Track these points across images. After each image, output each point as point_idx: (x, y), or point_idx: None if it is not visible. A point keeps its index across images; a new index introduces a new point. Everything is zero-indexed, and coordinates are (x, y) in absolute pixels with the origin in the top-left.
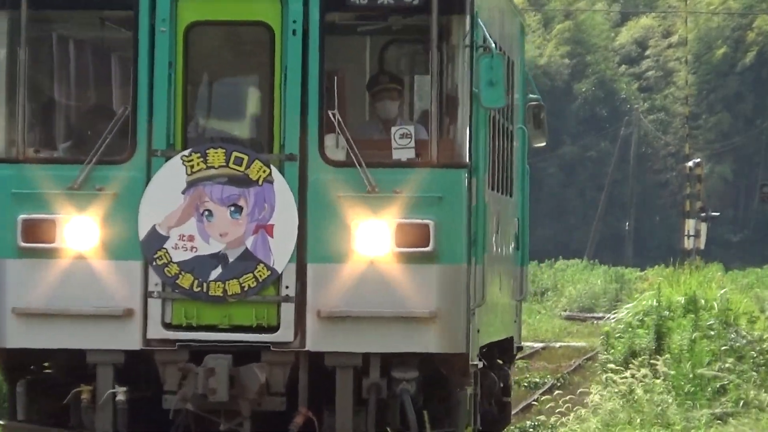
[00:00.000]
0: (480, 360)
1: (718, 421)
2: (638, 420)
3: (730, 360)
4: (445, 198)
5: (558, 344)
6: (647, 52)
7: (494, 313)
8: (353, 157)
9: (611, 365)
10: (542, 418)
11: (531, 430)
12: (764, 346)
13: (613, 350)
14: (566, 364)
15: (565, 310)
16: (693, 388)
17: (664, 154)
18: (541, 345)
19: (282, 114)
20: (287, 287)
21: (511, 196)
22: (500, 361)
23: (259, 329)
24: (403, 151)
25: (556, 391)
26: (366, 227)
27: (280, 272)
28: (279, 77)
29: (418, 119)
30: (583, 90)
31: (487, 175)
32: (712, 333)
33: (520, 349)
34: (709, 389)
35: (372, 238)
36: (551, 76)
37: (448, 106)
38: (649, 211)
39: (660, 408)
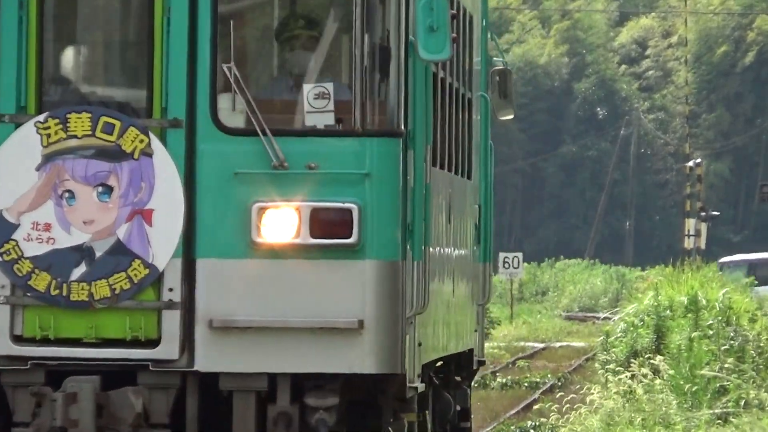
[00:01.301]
0: (430, 378)
1: (719, 421)
2: (639, 420)
3: (730, 360)
4: (373, 175)
5: (558, 344)
6: (647, 52)
7: (444, 321)
8: (255, 123)
9: (612, 365)
10: (542, 418)
11: (531, 430)
12: (763, 345)
13: (614, 350)
14: (566, 364)
15: (565, 310)
16: (693, 388)
17: (664, 153)
18: (541, 345)
19: (164, 68)
20: (171, 290)
21: (469, 178)
22: (457, 379)
23: (135, 343)
24: (319, 116)
25: (557, 392)
26: (272, 213)
27: (161, 270)
28: (160, 21)
29: (338, 75)
30: (583, 90)
31: (430, 148)
32: (711, 332)
33: (482, 363)
34: (710, 389)
35: (279, 226)
36: (551, 75)
37: (378, 59)
38: (649, 210)
39: (661, 408)
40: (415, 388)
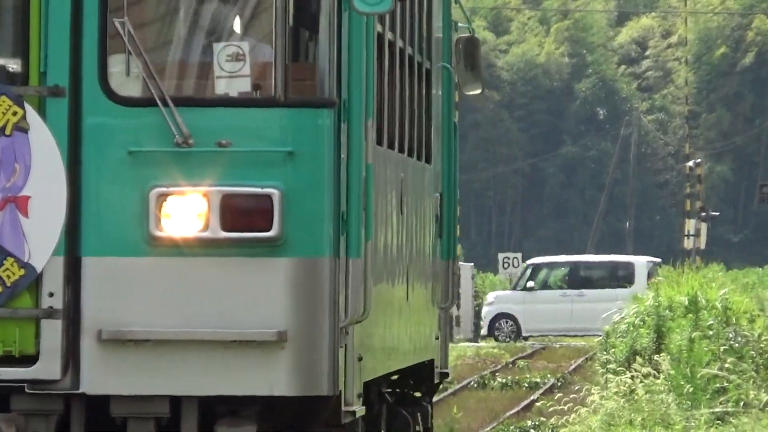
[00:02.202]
0: (380, 396)
1: (719, 421)
2: (639, 420)
3: (730, 360)
4: (298, 154)
5: (558, 344)
6: (647, 52)
7: (395, 329)
8: (153, 91)
9: (612, 365)
10: (542, 417)
11: (531, 430)
12: (763, 345)
13: (613, 350)
14: (566, 364)
15: None
16: (693, 388)
17: (664, 153)
18: (541, 345)
19: (42, 24)
20: (51, 295)
21: (427, 161)
22: (417, 395)
23: (8, 360)
24: (233, 82)
25: (557, 392)
26: (175, 201)
27: (39, 271)
28: None
29: (256, 33)
30: (583, 90)
31: (373, 123)
32: (711, 333)
33: (445, 376)
34: (710, 389)
35: (184, 216)
36: (551, 75)
37: (304, 13)
38: (649, 210)
39: (661, 408)
40: (353, 413)
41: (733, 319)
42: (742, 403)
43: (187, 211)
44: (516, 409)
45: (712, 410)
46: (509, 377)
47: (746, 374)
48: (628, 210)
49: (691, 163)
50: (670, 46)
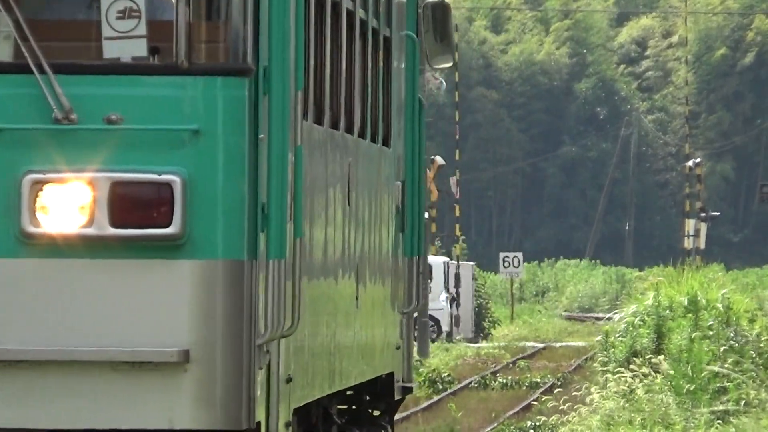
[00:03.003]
0: (325, 416)
1: (719, 421)
2: (638, 419)
3: (731, 359)
4: (205, 133)
5: (558, 344)
6: (647, 52)
7: (340, 341)
8: (27, 55)
9: (612, 365)
10: (542, 417)
11: (531, 430)
12: (762, 345)
13: (613, 350)
14: (567, 364)
15: (565, 310)
16: (693, 388)
17: (664, 153)
18: (541, 345)
19: None
20: None
21: (385, 144)
22: (375, 413)
23: None
24: (125, 44)
25: (557, 392)
26: (53, 190)
27: None
28: None
29: None
30: (583, 90)
31: (304, 96)
32: (711, 333)
33: (409, 391)
34: (710, 389)
35: (64, 209)
36: (551, 75)
37: None
38: (649, 211)
39: (661, 408)
40: None
41: (733, 318)
42: (742, 403)
43: (68, 203)
44: (516, 409)
45: (712, 410)
46: (509, 377)
47: (746, 374)
48: (628, 210)
49: (690, 163)
50: (670, 46)
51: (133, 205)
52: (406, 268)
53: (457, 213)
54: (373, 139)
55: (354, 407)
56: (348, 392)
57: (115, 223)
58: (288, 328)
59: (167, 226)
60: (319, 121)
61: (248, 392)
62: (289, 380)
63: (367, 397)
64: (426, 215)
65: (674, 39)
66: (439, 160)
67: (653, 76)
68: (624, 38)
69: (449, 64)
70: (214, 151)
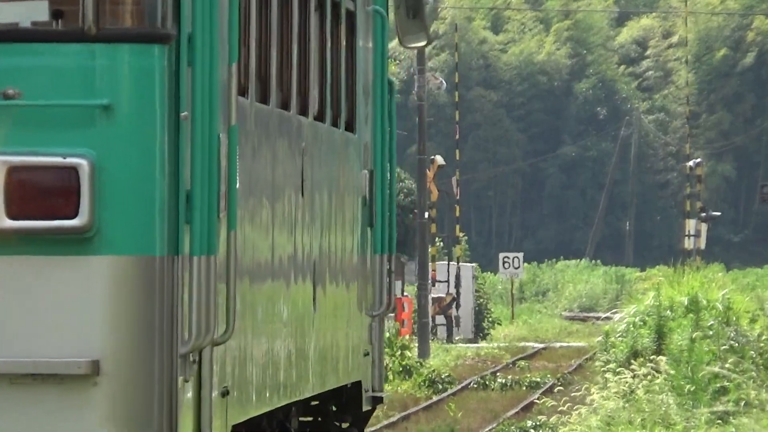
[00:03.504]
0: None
1: (719, 421)
2: (639, 420)
3: (731, 360)
4: (116, 109)
5: (558, 344)
6: (647, 52)
7: (293, 348)
8: None
9: (612, 365)
10: (542, 417)
11: (531, 430)
12: (763, 345)
13: (614, 350)
14: (567, 364)
15: (565, 310)
16: (693, 388)
17: (665, 154)
18: (541, 345)
19: None
20: None
21: (349, 130)
22: (342, 426)
23: None
24: (22, 6)
25: (557, 392)
26: None
27: None
28: None
29: None
30: (583, 90)
31: (246, 70)
32: (712, 333)
33: (379, 401)
34: (710, 389)
35: None
36: (551, 75)
37: None
38: (649, 211)
39: (661, 408)
40: None
41: (734, 319)
42: (742, 403)
43: None
44: (516, 410)
45: (712, 410)
46: (509, 377)
47: (747, 374)
48: (628, 210)
49: (691, 164)
50: (670, 47)
51: (34, 193)
52: (376, 267)
53: (457, 213)
54: (335, 124)
55: (319, 419)
56: (313, 403)
57: (12, 215)
58: (222, 335)
59: (73, 217)
60: (264, 100)
61: (169, 408)
62: (225, 393)
63: (334, 408)
64: (426, 215)
65: (674, 39)
66: (439, 160)
67: (653, 76)
68: (624, 38)
69: (423, 43)
70: (128, 131)
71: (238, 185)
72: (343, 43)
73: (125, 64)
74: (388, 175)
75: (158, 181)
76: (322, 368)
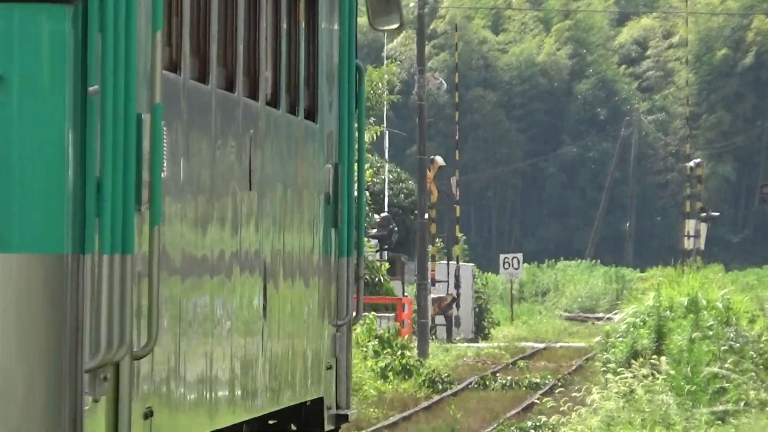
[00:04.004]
0: None
1: (719, 421)
2: (639, 420)
3: (731, 360)
4: (6, 81)
5: (558, 344)
6: (647, 53)
7: (236, 362)
8: None
9: (612, 365)
10: (543, 417)
11: (531, 430)
12: (762, 345)
13: (614, 350)
14: (567, 365)
15: (565, 311)
16: (693, 388)
17: (665, 154)
18: (541, 345)
19: None
20: None
21: (310, 118)
22: None
23: None
24: None
25: (558, 392)
26: None
27: None
28: None
29: None
30: (583, 90)
31: (177, 41)
32: (711, 333)
33: (343, 419)
34: (710, 389)
35: None
36: (551, 75)
37: None
38: (649, 211)
39: (661, 408)
40: None
41: (733, 319)
42: (742, 403)
43: None
44: (516, 410)
45: (712, 410)
46: (509, 378)
47: (746, 374)
48: (628, 210)
49: (691, 164)
50: (670, 47)
51: None
52: (341, 271)
53: (457, 213)
54: (292, 110)
55: None
56: (271, 422)
57: None
58: (143, 347)
59: None
60: (202, 78)
61: None
62: (149, 415)
63: (294, 427)
64: (426, 216)
65: (675, 39)
66: (439, 160)
67: (654, 76)
68: (624, 38)
69: (395, 26)
70: (22, 106)
71: (164, 174)
72: (303, 22)
73: (19, 27)
74: (356, 170)
75: (58, 165)
76: (274, 383)
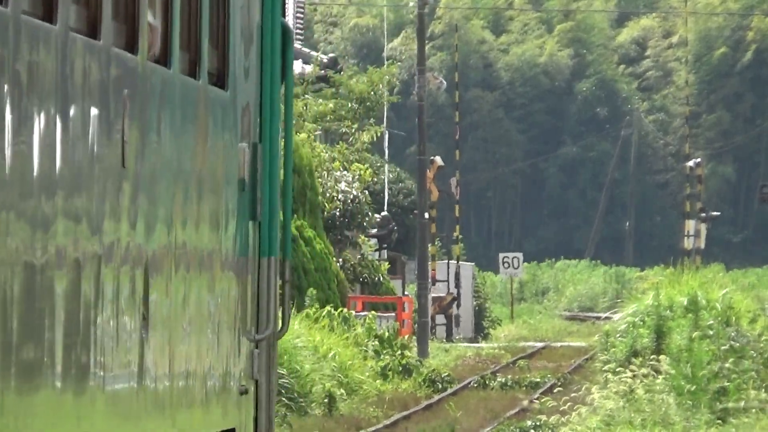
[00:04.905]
0: None
1: (719, 421)
2: (639, 419)
3: (731, 360)
4: None
5: (558, 344)
6: (647, 52)
7: (106, 389)
8: None
9: (612, 365)
10: (543, 417)
11: (531, 430)
12: (763, 345)
13: (614, 349)
14: (567, 364)
15: (565, 310)
16: (693, 388)
17: (665, 154)
18: (541, 345)
19: None
20: None
21: (218, 84)
22: None
23: None
24: None
25: (557, 390)
26: None
27: None
28: None
29: None
30: (584, 90)
31: None
32: (711, 333)
33: None
34: (710, 389)
35: None
36: (551, 75)
37: None
38: (649, 211)
39: (661, 408)
40: None
41: (733, 319)
42: (742, 403)
43: None
44: (516, 409)
45: (712, 410)
46: (509, 377)
47: (747, 374)
48: (628, 210)
49: (691, 164)
50: (670, 47)
51: None
52: (263, 274)
53: (457, 213)
54: (191, 73)
55: None
56: None
57: None
58: None
59: None
60: (47, 17)
61: None
62: None
63: None
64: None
65: (674, 39)
66: (439, 160)
67: (653, 76)
68: (624, 38)
69: None
70: None
71: None
72: None
73: None
74: (281, 151)
75: None
76: (162, 416)
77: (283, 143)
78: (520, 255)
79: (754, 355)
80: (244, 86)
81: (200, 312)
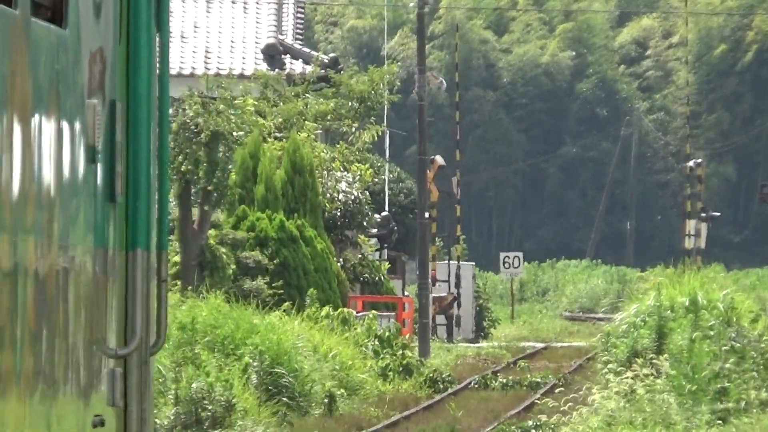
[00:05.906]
0: None
1: (719, 421)
2: (639, 419)
3: (732, 360)
4: None
5: (559, 344)
6: (648, 52)
7: None
8: None
9: (613, 365)
10: (543, 417)
11: (532, 430)
12: (763, 345)
13: (615, 350)
14: (567, 364)
15: (566, 310)
16: (694, 388)
17: (665, 154)
18: (542, 345)
19: None
20: None
21: (54, 21)
22: None
23: None
24: None
25: (558, 390)
26: None
27: None
28: None
29: None
30: (584, 90)
31: None
32: (712, 333)
33: None
34: (710, 389)
35: None
36: (552, 76)
37: None
38: (650, 211)
39: (662, 408)
40: None
41: (734, 319)
42: (743, 403)
43: None
44: (517, 409)
45: (712, 410)
46: (510, 377)
47: (747, 374)
48: (628, 210)
49: (691, 164)
50: (670, 47)
51: None
52: (131, 271)
53: (458, 213)
54: (6, 1)
55: None
56: None
57: None
58: None
59: None
60: None
61: None
62: None
63: None
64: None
65: (675, 39)
66: (440, 160)
67: (654, 76)
68: (624, 38)
69: None
70: None
71: None
72: None
73: None
74: (155, 113)
75: None
76: None
77: (158, 104)
78: (520, 254)
79: (755, 355)
80: (95, 26)
81: (27, 323)
